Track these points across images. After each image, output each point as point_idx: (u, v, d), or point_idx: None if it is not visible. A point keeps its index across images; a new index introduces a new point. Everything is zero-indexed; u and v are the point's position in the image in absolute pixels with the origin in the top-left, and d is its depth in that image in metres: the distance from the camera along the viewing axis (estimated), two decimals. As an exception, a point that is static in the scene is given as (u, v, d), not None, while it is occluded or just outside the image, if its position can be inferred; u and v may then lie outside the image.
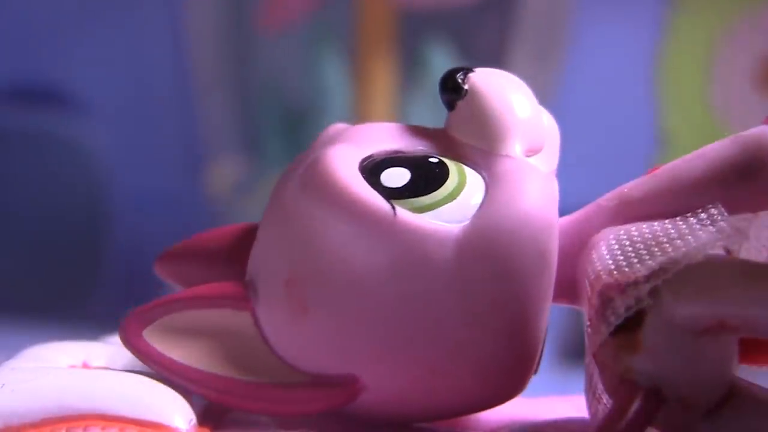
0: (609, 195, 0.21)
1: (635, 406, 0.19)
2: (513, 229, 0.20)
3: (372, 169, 0.21)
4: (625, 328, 0.19)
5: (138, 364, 0.22)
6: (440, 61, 0.54)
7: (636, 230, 0.20)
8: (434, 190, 0.20)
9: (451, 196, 0.20)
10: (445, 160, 0.21)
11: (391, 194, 0.20)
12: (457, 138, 0.21)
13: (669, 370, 0.19)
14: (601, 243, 0.20)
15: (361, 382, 0.20)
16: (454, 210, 0.20)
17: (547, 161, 0.22)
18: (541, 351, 0.21)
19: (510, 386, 0.21)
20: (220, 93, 0.57)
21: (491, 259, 0.20)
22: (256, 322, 0.21)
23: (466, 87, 0.21)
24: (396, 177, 0.20)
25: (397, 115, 0.53)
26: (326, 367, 0.20)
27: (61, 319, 0.51)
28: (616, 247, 0.20)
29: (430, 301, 0.20)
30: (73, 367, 0.22)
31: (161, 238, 0.22)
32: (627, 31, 0.59)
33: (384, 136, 0.22)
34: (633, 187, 0.21)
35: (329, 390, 0.20)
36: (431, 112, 0.53)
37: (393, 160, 0.21)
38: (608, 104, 0.57)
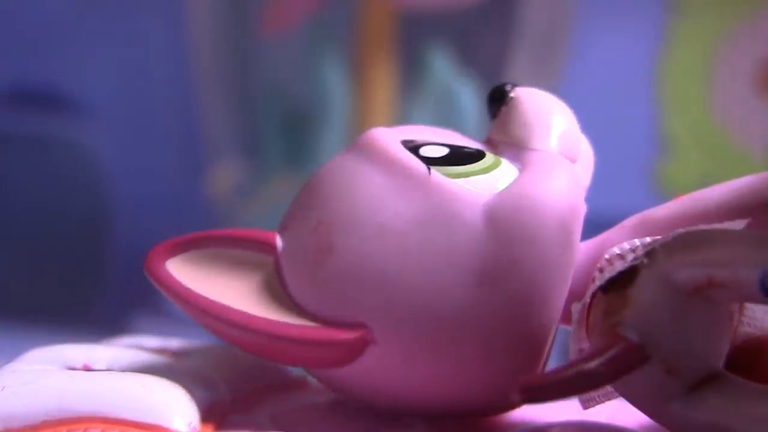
0: (632, 216, 0.22)
1: (613, 351, 0.19)
2: (541, 200, 0.21)
3: (412, 148, 0.22)
4: (618, 288, 0.20)
5: (139, 367, 0.22)
6: (440, 64, 0.54)
7: (649, 238, 0.21)
8: (469, 164, 0.21)
9: (484, 171, 0.21)
10: (482, 150, 0.22)
11: (428, 161, 0.21)
12: (496, 140, 0.23)
13: (656, 328, 0.19)
14: (614, 247, 0.21)
15: (371, 333, 0.21)
16: (486, 181, 0.21)
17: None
18: (547, 355, 0.21)
19: (515, 378, 0.21)
20: (221, 96, 0.57)
21: (516, 226, 0.20)
22: (278, 268, 0.22)
23: (512, 95, 0.23)
24: (434, 150, 0.22)
25: (398, 118, 0.53)
26: (340, 312, 0.21)
27: (62, 322, 0.51)
28: (627, 246, 0.21)
29: (450, 256, 0.20)
30: (73, 369, 0.23)
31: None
32: (628, 36, 0.59)
33: (424, 131, 0.23)
34: (656, 209, 0.22)
35: (340, 333, 0.21)
36: (431, 114, 0.53)
37: (432, 143, 0.22)
38: (609, 109, 0.57)
